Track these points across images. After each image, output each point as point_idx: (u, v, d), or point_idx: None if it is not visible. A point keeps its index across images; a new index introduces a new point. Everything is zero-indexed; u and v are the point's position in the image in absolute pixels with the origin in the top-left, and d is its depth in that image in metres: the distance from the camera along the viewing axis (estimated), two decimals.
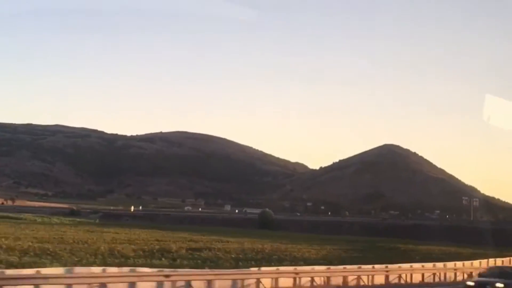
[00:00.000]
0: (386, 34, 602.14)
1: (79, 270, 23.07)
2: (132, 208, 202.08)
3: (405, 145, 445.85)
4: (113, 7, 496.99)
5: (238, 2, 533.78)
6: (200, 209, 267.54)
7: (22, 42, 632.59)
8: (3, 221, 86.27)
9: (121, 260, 33.76)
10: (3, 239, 43.09)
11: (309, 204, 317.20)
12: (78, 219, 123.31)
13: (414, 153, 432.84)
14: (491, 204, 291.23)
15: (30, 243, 41.87)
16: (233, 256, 41.63)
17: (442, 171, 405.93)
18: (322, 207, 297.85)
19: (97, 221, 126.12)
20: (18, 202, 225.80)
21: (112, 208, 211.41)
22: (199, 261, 36.33)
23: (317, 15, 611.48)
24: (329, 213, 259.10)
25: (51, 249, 37.28)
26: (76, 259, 32.36)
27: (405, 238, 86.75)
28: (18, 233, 56.02)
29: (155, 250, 42.24)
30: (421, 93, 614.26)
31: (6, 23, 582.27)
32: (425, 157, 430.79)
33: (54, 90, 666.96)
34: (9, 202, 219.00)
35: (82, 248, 41.41)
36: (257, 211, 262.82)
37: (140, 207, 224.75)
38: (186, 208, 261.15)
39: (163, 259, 36.63)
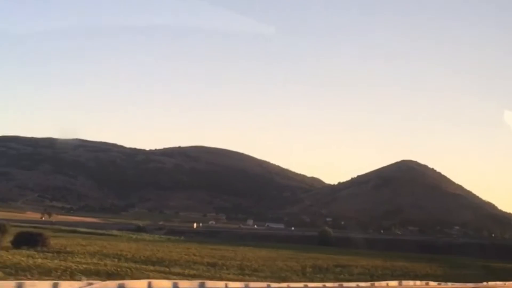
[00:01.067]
0: (402, 49, 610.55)
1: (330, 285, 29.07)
2: (195, 225, 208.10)
3: (422, 161, 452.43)
4: (131, 23, 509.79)
5: (255, 17, 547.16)
6: (211, 222, 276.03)
7: (43, 56, 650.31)
8: (97, 238, 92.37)
9: (319, 275, 40.49)
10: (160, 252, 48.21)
11: (328, 219, 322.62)
12: (153, 235, 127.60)
13: (432, 168, 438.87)
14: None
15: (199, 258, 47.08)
16: (380, 272, 48.76)
17: (460, 187, 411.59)
18: (342, 223, 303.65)
19: (182, 237, 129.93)
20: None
21: (177, 224, 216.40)
22: (361, 276, 43.60)
23: (332, 30, 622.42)
24: (382, 231, 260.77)
25: (253, 266, 43.40)
26: (282, 275, 38.84)
27: (478, 257, 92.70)
28: (154, 250, 62.57)
29: (309, 267, 49.01)
30: (438, 108, 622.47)
31: (34, 38, 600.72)
32: (443, 172, 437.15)
33: (73, 104, 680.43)
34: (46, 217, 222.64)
35: (258, 264, 48.18)
36: (279, 225, 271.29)
37: (201, 224, 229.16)
38: (210, 222, 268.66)
39: (341, 275, 43.93)
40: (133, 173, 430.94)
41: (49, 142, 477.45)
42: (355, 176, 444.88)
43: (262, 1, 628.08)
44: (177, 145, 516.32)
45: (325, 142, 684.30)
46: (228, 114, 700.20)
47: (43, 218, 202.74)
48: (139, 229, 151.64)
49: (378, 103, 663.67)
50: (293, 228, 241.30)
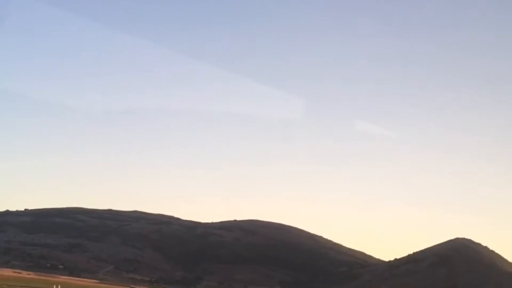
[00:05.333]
0: (452, 124, 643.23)
1: None
2: None
3: (477, 239, 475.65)
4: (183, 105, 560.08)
5: None
6: None
7: (102, 131, 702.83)
8: None
9: None
10: None
11: None
12: None
13: (486, 247, 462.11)
14: None
15: None
16: None
17: None
18: None
19: None
20: None
21: None
22: None
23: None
24: None
25: None
26: None
27: None
28: None
29: None
30: (490, 186, 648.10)
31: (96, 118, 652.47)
32: (497, 251, 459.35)
33: (131, 176, 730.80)
34: None
35: None
36: None
37: None
38: None
39: None
40: (194, 246, 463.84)
41: (113, 214, 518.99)
42: (411, 252, 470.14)
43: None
44: (232, 219, 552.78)
45: (377, 218, 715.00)
46: (280, 189, 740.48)
47: None
48: None
49: (429, 183, 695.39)
50: None
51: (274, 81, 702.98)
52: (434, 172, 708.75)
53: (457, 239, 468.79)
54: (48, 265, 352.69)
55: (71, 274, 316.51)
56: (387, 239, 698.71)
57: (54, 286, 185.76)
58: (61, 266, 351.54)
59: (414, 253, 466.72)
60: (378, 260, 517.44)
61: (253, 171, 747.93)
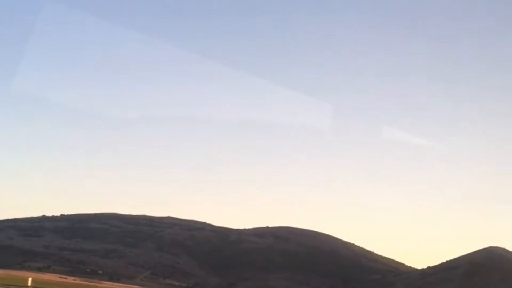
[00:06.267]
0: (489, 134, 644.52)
1: None
2: None
3: (511, 247, 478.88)
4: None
5: None
6: None
7: (136, 137, 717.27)
8: None
9: None
10: None
11: None
12: None
13: None
14: None
15: None
16: None
17: None
18: None
19: None
20: None
21: None
22: None
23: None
24: None
25: None
26: None
27: None
28: None
29: None
30: None
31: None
32: None
33: (163, 182, 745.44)
34: None
35: None
36: None
37: None
38: None
39: None
40: (228, 252, 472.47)
41: (147, 220, 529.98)
42: (445, 261, 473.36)
43: None
44: (265, 225, 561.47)
45: (409, 225, 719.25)
46: (311, 196, 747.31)
47: None
48: None
49: (461, 190, 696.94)
50: None
51: (300, 87, 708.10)
52: (467, 179, 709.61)
53: (491, 247, 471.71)
54: (87, 270, 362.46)
55: (110, 279, 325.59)
56: (420, 247, 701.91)
57: None
58: (100, 272, 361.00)
59: (447, 261, 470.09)
60: (411, 268, 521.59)
61: (285, 178, 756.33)
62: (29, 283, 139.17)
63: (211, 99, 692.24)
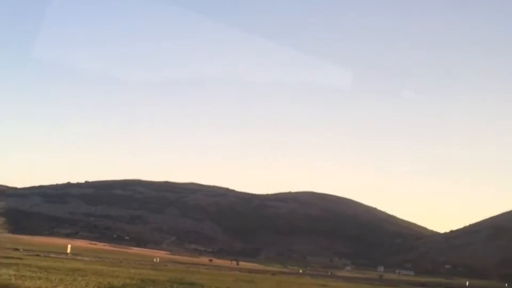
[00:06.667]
0: None
1: None
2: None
3: None
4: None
5: None
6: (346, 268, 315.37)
7: (161, 103, 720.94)
8: None
9: None
10: None
11: (447, 266, 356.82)
12: None
13: None
14: None
15: None
16: None
17: None
18: (460, 270, 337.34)
19: None
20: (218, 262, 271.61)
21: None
22: None
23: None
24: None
25: None
26: None
27: None
28: None
29: None
30: None
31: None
32: None
33: (186, 148, 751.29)
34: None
35: None
36: (410, 272, 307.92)
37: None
38: (346, 269, 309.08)
39: None
40: (252, 217, 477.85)
41: (170, 186, 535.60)
42: (467, 224, 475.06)
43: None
44: (287, 191, 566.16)
45: (431, 189, 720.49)
46: (334, 160, 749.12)
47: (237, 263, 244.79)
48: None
49: (484, 153, 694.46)
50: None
51: (322, 51, 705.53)
52: (489, 143, 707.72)
53: None
54: (114, 236, 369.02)
55: (138, 245, 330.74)
56: (442, 210, 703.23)
57: None
58: (127, 237, 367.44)
59: (470, 225, 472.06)
60: (433, 232, 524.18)
61: (306, 143, 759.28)
62: (68, 250, 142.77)
63: (231, 62, 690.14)
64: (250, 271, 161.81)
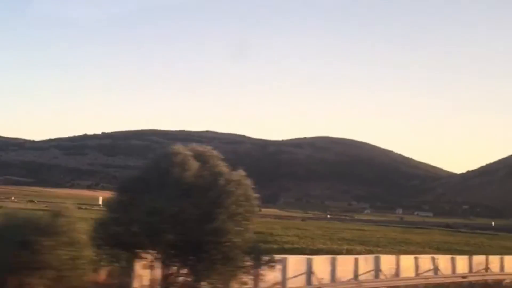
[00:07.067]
0: None
1: None
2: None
3: None
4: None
5: None
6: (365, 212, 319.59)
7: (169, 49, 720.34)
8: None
9: None
10: None
11: (465, 207, 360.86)
12: None
13: None
14: None
15: None
16: None
17: None
18: (478, 210, 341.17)
19: None
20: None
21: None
22: None
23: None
24: None
25: None
26: None
27: None
28: None
29: None
30: None
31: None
32: None
33: (202, 98, 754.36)
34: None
35: None
36: (428, 213, 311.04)
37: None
38: (365, 212, 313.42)
39: None
40: (268, 164, 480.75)
41: (186, 135, 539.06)
42: (484, 164, 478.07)
43: None
44: (302, 136, 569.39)
45: (447, 129, 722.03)
46: (347, 104, 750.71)
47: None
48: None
49: (500, 91, 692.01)
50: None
51: None
52: (506, 79, 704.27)
53: None
54: None
55: None
56: (458, 151, 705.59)
57: None
58: None
59: (487, 164, 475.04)
60: (450, 172, 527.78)
61: (320, 88, 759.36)
62: (100, 202, 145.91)
63: None
64: (280, 217, 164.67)
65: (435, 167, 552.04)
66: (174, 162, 21.65)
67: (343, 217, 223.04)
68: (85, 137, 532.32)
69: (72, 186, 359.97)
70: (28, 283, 18.50)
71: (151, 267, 21.92)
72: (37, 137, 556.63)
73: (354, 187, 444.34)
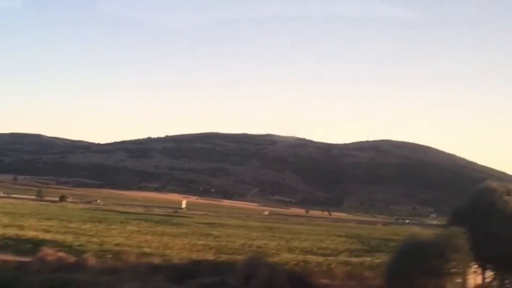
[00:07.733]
0: None
1: None
2: None
3: None
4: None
5: None
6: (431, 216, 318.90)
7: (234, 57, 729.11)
8: None
9: None
10: None
11: None
12: None
13: None
14: None
15: None
16: None
17: None
18: None
19: None
20: (289, 211, 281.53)
21: None
22: None
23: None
24: None
25: None
26: None
27: None
28: None
29: None
30: None
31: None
32: None
33: (264, 101, 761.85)
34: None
35: None
36: None
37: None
38: (431, 216, 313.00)
39: None
40: (331, 167, 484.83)
41: (249, 138, 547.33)
42: None
43: None
44: (364, 139, 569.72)
45: (508, 134, 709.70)
46: (409, 108, 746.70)
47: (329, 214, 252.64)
48: None
49: None
50: None
51: None
52: None
53: None
54: (200, 189, 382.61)
55: (224, 197, 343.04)
56: None
57: None
58: (212, 190, 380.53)
59: None
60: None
61: (382, 92, 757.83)
62: (183, 205, 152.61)
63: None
64: (359, 222, 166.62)
65: (499, 171, 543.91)
66: (495, 196, 31.43)
67: (415, 221, 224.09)
68: (149, 140, 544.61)
69: (139, 189, 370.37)
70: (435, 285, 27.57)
71: (475, 273, 31.86)
72: (102, 140, 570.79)
73: (418, 191, 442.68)
